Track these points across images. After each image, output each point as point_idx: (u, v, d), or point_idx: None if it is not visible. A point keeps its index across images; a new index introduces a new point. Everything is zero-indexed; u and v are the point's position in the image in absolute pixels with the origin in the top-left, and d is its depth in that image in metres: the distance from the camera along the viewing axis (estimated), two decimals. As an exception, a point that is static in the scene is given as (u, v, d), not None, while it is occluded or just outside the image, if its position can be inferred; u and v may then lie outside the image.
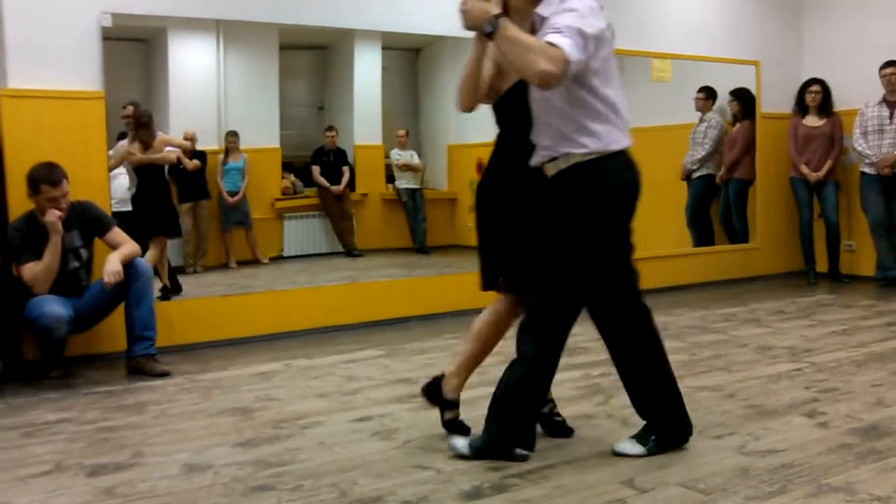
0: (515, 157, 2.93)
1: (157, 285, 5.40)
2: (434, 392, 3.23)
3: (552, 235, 2.80)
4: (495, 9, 2.60)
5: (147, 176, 5.69)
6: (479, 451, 2.89)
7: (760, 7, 7.43)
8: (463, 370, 3.19)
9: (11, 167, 4.44)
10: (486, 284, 3.11)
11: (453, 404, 3.19)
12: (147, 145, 5.65)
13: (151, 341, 4.37)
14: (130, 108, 5.79)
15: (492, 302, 3.15)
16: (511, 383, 2.88)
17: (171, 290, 5.67)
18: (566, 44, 2.53)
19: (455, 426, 3.15)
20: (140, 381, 4.23)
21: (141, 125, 5.65)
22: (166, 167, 5.90)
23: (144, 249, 5.56)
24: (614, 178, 2.78)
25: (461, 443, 2.94)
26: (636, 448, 2.93)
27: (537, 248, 2.84)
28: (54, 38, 4.58)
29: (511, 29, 2.56)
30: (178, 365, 4.51)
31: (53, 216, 4.15)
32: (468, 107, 2.93)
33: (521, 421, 2.90)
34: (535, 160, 2.87)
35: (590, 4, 2.67)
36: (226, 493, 2.68)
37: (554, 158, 2.79)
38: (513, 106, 2.92)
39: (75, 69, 4.67)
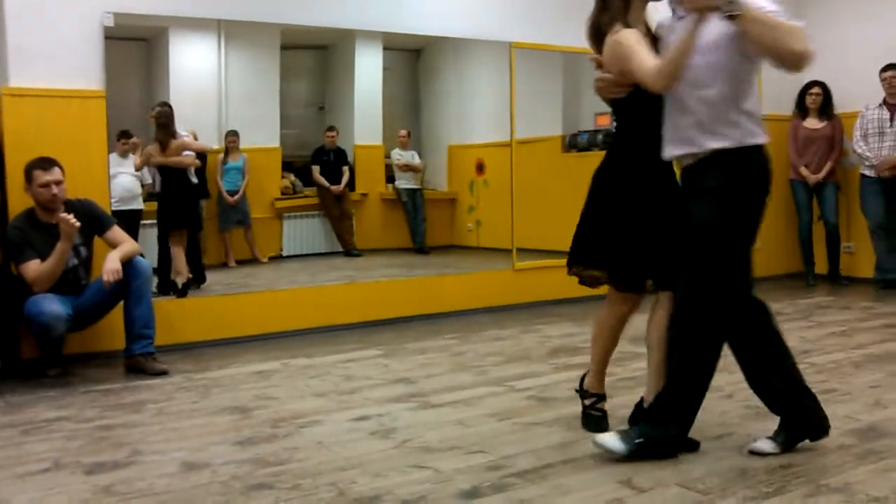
0: (640, 151, 2.93)
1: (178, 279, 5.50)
2: (640, 413, 3.12)
3: (700, 223, 2.77)
4: None
5: (168, 175, 5.83)
6: (638, 450, 2.83)
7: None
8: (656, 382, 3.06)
9: (12, 166, 4.44)
10: (574, 266, 3.12)
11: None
12: (164, 146, 5.73)
13: (150, 340, 4.37)
14: (157, 109, 5.93)
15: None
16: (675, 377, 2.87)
17: (195, 281, 5.80)
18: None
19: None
20: (138, 379, 4.22)
21: (158, 125, 5.77)
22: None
23: (166, 244, 5.73)
24: (753, 171, 2.78)
25: (611, 440, 2.85)
26: (769, 445, 2.89)
27: (680, 239, 2.83)
28: (56, 37, 4.58)
29: (756, 10, 2.51)
30: (177, 364, 4.51)
31: (69, 223, 4.12)
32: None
33: (679, 412, 2.88)
34: (670, 153, 2.86)
35: None
36: (223, 491, 2.68)
37: (693, 153, 2.79)
38: (641, 100, 2.87)
39: (77, 68, 4.67)
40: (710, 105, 2.72)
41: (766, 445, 2.91)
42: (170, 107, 5.96)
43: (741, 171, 2.75)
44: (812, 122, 7.07)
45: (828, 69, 7.26)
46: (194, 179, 6.12)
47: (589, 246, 3.03)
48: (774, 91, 7.34)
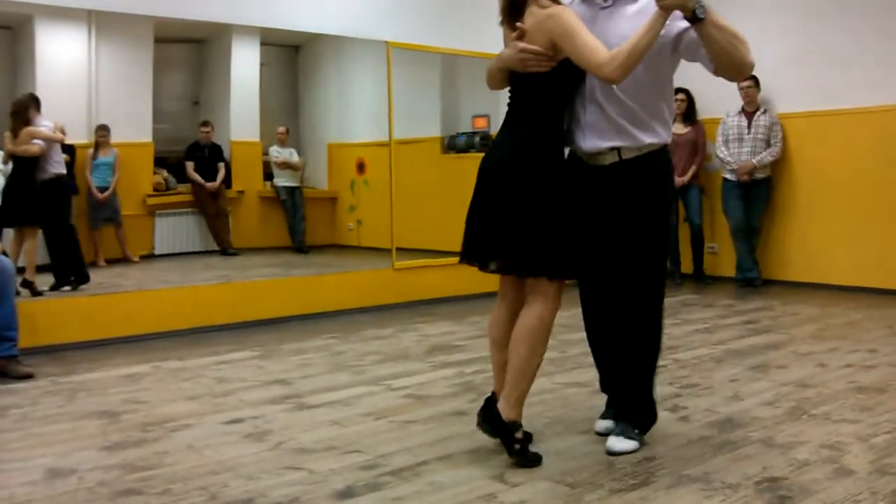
0: (559, 132, 2.82)
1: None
2: (491, 417, 2.91)
3: (645, 220, 2.84)
4: None
5: (17, 166, 5.58)
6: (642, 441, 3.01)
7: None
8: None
9: None
10: (469, 260, 2.91)
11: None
12: (15, 135, 5.51)
13: (13, 342, 4.19)
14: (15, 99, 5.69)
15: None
16: (648, 366, 3.03)
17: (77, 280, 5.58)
18: None
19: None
20: (0, 383, 4.04)
21: (11, 114, 5.53)
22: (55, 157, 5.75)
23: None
24: (671, 167, 2.93)
25: (622, 444, 2.96)
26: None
27: (614, 237, 2.87)
28: None
29: (719, 16, 2.55)
30: (43, 367, 4.34)
31: None
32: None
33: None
34: (594, 144, 2.80)
35: None
36: (90, 498, 2.60)
37: (622, 146, 2.79)
38: (565, 77, 2.75)
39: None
40: (644, 100, 2.75)
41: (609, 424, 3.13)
42: (31, 97, 5.73)
43: (669, 169, 2.88)
44: (677, 128, 7.37)
45: (691, 76, 7.59)
46: (55, 171, 5.83)
47: (519, 241, 2.76)
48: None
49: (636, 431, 2.99)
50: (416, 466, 2.85)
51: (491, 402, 2.95)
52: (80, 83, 6.81)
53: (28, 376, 4.13)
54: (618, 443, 2.95)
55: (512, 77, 2.83)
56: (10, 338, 4.18)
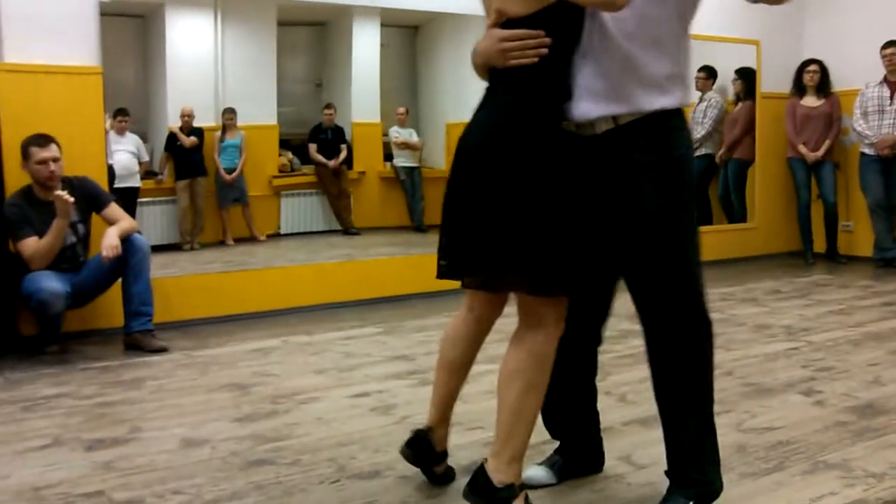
0: (539, 115, 2.08)
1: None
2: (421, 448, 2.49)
3: (665, 208, 2.09)
4: None
5: None
6: None
7: (761, -14, 7.37)
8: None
9: (9, 143, 4.40)
10: (449, 273, 2.24)
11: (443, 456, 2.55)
12: None
13: (149, 317, 4.36)
14: None
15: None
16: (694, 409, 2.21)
17: None
18: None
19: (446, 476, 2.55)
20: (137, 356, 4.22)
21: None
22: None
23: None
24: (689, 137, 2.21)
25: None
26: (544, 474, 2.51)
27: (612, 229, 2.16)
28: (51, 13, 4.53)
29: None
30: (176, 341, 4.50)
31: (63, 199, 4.09)
32: None
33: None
34: (589, 112, 2.08)
35: None
36: (223, 467, 2.68)
37: (624, 113, 2.08)
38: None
39: (73, 44, 4.62)
40: (658, 54, 2.07)
41: (540, 473, 2.53)
42: None
43: (683, 137, 2.16)
44: (810, 100, 7.05)
45: (826, 47, 7.25)
46: None
47: (507, 251, 2.08)
48: (774, 69, 7.34)
49: None
50: (540, 445, 2.80)
51: (422, 439, 2.48)
52: (208, 68, 7.05)
53: (162, 350, 4.30)
54: None
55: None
56: (146, 313, 4.36)
